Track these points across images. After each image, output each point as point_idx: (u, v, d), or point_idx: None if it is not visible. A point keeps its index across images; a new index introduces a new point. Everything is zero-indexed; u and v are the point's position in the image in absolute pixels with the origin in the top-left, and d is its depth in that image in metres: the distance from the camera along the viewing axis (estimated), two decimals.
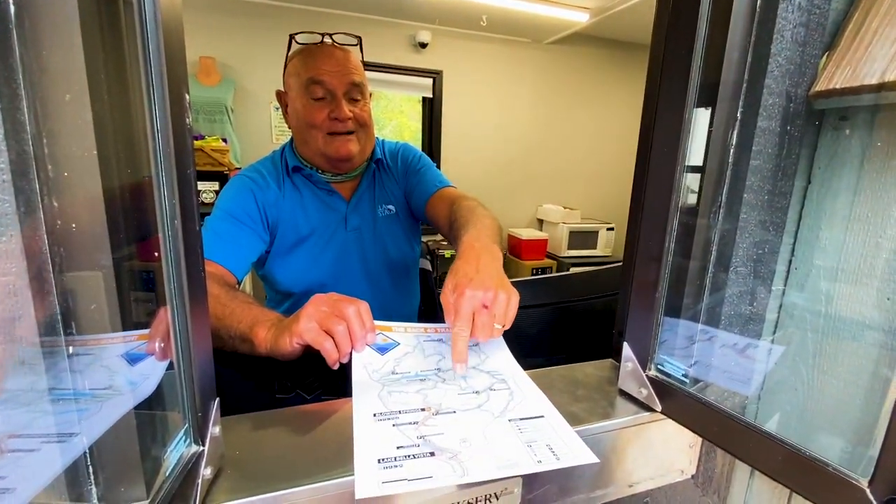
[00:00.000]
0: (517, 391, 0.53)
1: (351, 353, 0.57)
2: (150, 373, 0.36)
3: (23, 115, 0.27)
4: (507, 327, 0.59)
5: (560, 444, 0.44)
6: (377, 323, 0.61)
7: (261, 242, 0.95)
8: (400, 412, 0.47)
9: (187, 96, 0.33)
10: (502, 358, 0.61)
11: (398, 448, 0.42)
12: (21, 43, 0.27)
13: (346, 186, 1.06)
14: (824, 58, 0.49)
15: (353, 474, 0.41)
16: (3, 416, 0.28)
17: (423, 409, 0.48)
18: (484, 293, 0.57)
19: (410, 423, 0.46)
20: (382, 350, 0.59)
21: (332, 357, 0.55)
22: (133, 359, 0.35)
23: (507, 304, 0.57)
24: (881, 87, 0.45)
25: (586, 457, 0.42)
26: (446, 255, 3.23)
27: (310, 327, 0.56)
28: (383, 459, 0.40)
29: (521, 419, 0.48)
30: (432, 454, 0.41)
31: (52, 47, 0.28)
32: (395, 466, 0.39)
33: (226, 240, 0.88)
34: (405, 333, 0.63)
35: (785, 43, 0.46)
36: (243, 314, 0.65)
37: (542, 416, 0.49)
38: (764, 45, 0.46)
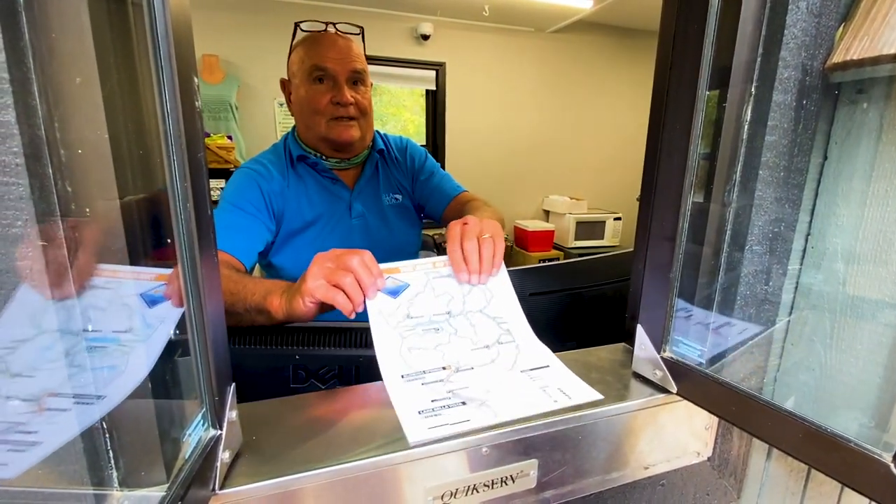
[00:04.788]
0: (522, 343, 0.59)
1: (365, 303, 0.58)
2: (166, 315, 0.35)
3: (34, 100, 0.27)
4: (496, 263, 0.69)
5: (569, 387, 0.51)
6: (384, 266, 0.62)
7: (267, 231, 0.96)
8: (424, 372, 0.53)
9: (196, 79, 0.33)
10: (506, 299, 0.64)
11: (433, 401, 0.48)
12: (30, 27, 0.27)
13: (349, 174, 1.08)
14: (841, 28, 0.48)
15: (369, 457, 0.41)
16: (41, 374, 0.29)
17: (444, 368, 0.54)
18: (480, 229, 0.67)
19: (437, 381, 0.52)
20: (394, 293, 0.60)
21: (346, 309, 0.56)
22: (150, 300, 0.34)
23: (493, 246, 0.66)
24: None
25: (592, 395, 0.50)
26: None
27: (318, 284, 0.57)
28: (423, 411, 0.46)
29: (531, 369, 0.55)
30: (464, 403, 0.48)
31: (61, 31, 0.28)
32: (435, 415, 0.45)
33: (233, 229, 0.89)
34: (414, 272, 0.63)
35: (800, 13, 0.45)
36: (255, 287, 0.66)
37: (547, 366, 0.55)
38: (779, 15, 0.45)
